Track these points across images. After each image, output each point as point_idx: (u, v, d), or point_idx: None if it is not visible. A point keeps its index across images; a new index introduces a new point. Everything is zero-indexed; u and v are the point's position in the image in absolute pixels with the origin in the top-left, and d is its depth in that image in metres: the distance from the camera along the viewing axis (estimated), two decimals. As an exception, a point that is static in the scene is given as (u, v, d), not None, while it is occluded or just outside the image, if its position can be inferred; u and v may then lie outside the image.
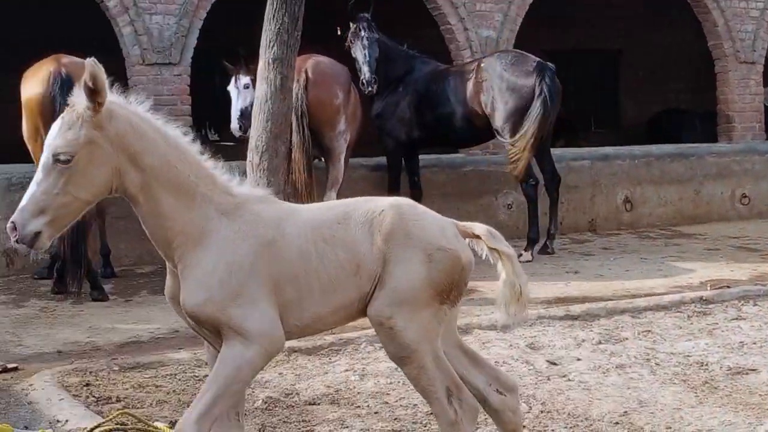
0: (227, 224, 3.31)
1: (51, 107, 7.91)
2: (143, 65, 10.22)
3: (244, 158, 10.83)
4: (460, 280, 3.44)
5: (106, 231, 9.40)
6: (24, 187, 9.47)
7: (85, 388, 5.46)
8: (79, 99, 3.43)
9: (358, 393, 5.30)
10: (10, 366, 6.09)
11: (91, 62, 3.35)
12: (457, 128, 10.25)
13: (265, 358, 3.34)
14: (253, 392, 5.29)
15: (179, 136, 3.54)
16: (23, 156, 10.11)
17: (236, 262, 3.27)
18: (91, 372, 5.77)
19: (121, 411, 4.78)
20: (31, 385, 5.56)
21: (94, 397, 5.30)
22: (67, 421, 4.80)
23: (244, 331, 3.24)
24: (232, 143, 14.76)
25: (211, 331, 3.37)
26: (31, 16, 14.18)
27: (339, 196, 9.39)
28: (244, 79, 9.35)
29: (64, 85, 7.91)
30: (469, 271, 3.51)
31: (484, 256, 3.61)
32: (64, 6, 13.65)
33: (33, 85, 8.21)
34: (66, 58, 8.30)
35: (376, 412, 4.94)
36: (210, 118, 16.64)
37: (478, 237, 3.57)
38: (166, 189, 3.37)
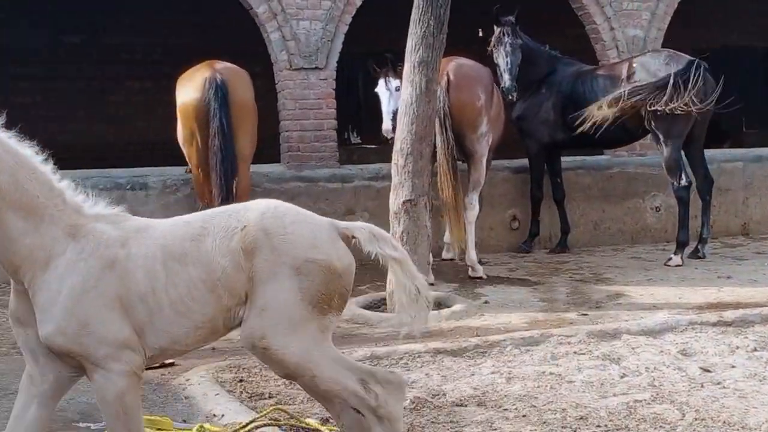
0: (72, 246, 3.18)
1: (206, 112, 8.20)
2: (290, 70, 10.45)
3: (387, 161, 11.01)
4: (338, 287, 3.28)
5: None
6: (179, 189, 9.95)
7: (238, 384, 5.63)
8: None
9: (505, 395, 5.28)
10: (167, 362, 6.32)
11: None
12: (607, 129, 10.10)
13: (135, 379, 3.20)
14: (401, 392, 5.34)
15: (30, 155, 3.39)
16: (177, 158, 10.53)
17: (79, 285, 3.12)
18: (244, 368, 5.94)
19: (274, 407, 4.93)
20: (187, 380, 5.77)
21: (247, 393, 5.46)
22: (223, 415, 4.96)
23: (100, 360, 3.12)
24: (374, 146, 14.96)
25: (72, 364, 3.21)
26: (183, 22, 14.71)
27: (481, 199, 9.39)
28: (395, 81, 9.44)
29: (218, 90, 8.19)
30: (348, 275, 3.34)
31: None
32: (214, 13, 14.11)
33: (189, 90, 8.50)
34: (219, 64, 8.57)
35: (524, 416, 4.91)
36: (352, 122, 16.86)
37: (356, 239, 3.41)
38: (13, 210, 3.20)
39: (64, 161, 12.48)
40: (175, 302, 3.17)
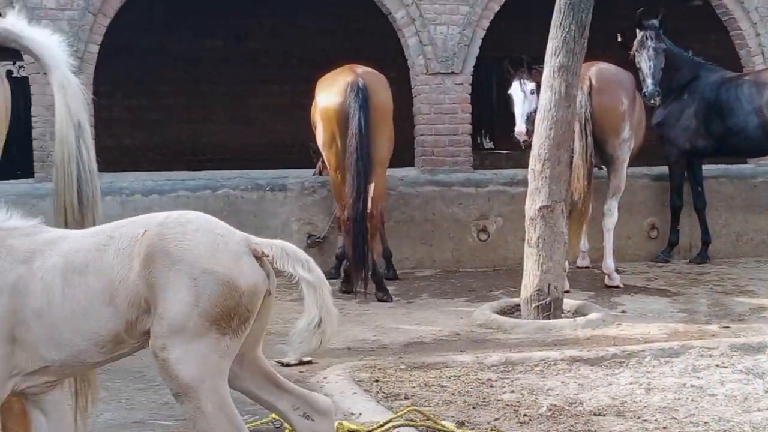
0: None
1: (347, 116, 8.34)
2: (427, 75, 10.52)
3: (519, 166, 10.95)
4: (237, 306, 3.01)
5: (388, 235, 9.74)
6: (316, 191, 10.14)
7: (375, 383, 5.69)
8: None
9: (645, 407, 5.17)
10: (305, 359, 6.46)
11: None
12: (752, 138, 9.76)
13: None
14: (537, 399, 5.31)
15: None
16: (312, 161, 10.75)
17: None
18: (379, 369, 6.01)
19: (410, 408, 4.97)
20: (325, 378, 5.87)
21: (383, 393, 5.51)
22: (360, 414, 5.03)
23: None
24: (506, 151, 14.90)
25: None
26: (320, 28, 14.99)
27: (619, 206, 9.23)
28: (530, 84, 9.37)
29: (359, 94, 8.33)
30: (252, 294, 3.06)
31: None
32: (351, 19, 14.34)
33: (331, 94, 8.66)
34: (360, 68, 8.69)
35: (664, 428, 4.80)
36: (485, 127, 16.83)
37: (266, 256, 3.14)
38: None
39: (205, 162, 12.98)
40: (73, 315, 3.04)
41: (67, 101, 3.64)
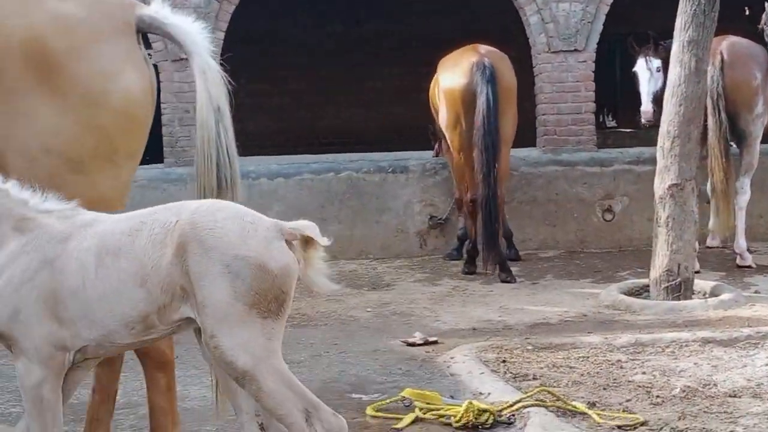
0: (17, 239, 3.28)
1: (473, 97, 8.32)
2: (549, 53, 10.37)
3: (642, 144, 10.71)
4: (272, 288, 3.09)
5: (511, 216, 9.67)
6: (437, 172, 10.14)
7: (502, 364, 5.68)
8: None
9: (783, 389, 5.02)
10: (431, 339, 6.50)
11: None
12: None
13: (54, 372, 3.26)
14: (669, 380, 5.22)
15: None
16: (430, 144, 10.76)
17: (16, 276, 3.23)
18: (506, 349, 6.00)
19: (540, 388, 4.95)
20: (452, 358, 5.89)
21: (511, 373, 5.50)
22: (489, 393, 5.04)
23: (25, 350, 3.23)
24: (629, 130, 14.58)
25: (4, 345, 3.38)
26: (438, 9, 14.95)
27: (751, 184, 8.94)
28: (656, 62, 9.14)
29: (485, 73, 8.30)
30: (285, 276, 3.13)
31: None
32: (470, -1, 14.27)
33: (455, 75, 8.65)
34: (483, 48, 8.65)
35: (805, 411, 4.65)
36: (608, 105, 16.50)
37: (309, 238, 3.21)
38: None
39: (326, 145, 13.13)
40: (105, 295, 3.19)
41: (208, 86, 3.74)
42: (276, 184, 10.03)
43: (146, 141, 3.92)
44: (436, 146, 10.38)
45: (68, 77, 3.58)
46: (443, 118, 8.87)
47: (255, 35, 14.13)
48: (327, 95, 15.36)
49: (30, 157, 3.57)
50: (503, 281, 8.52)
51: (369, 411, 4.90)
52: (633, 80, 9.51)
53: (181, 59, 9.74)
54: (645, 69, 9.35)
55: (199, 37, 3.77)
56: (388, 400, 5.03)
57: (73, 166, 3.60)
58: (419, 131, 11.62)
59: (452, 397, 5.09)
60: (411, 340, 6.50)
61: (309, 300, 7.88)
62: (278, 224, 3.21)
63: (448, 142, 8.94)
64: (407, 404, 4.95)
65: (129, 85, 3.67)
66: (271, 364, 3.09)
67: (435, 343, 6.45)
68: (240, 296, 3.05)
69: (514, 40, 11.90)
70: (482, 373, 5.43)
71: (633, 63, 9.53)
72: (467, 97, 8.41)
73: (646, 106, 9.22)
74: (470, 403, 4.68)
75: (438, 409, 4.81)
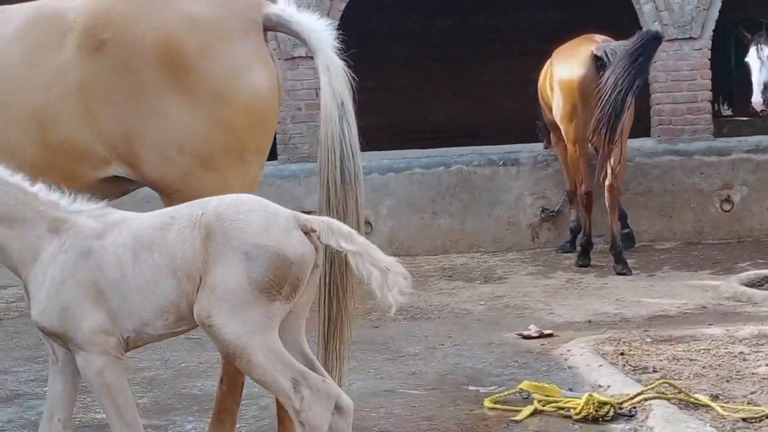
0: (55, 240, 3.43)
1: (591, 88, 8.22)
2: (664, 41, 10.15)
3: (759, 133, 10.42)
4: (287, 275, 3.27)
5: (625, 207, 9.52)
6: (549, 165, 10.08)
7: (620, 356, 5.62)
8: None
9: None
10: (546, 332, 6.47)
11: None
12: None
13: (111, 358, 3.42)
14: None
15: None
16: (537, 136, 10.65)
17: (59, 275, 3.39)
18: (624, 342, 5.93)
19: (661, 380, 4.87)
20: (569, 350, 5.86)
21: (630, 365, 5.44)
22: (609, 386, 4.99)
23: (79, 342, 3.39)
24: (746, 119, 14.19)
25: (60, 344, 3.51)
26: (549, 1, 14.82)
27: None
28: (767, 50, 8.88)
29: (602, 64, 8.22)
30: (301, 264, 3.30)
31: None
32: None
33: (573, 66, 8.59)
34: (600, 38, 8.55)
35: None
36: (723, 93, 16.07)
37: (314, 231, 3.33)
38: None
39: (433, 140, 13.15)
40: (141, 287, 3.37)
41: (331, 82, 3.82)
42: (387, 179, 10.10)
43: (273, 137, 4.00)
44: (545, 140, 10.30)
45: (200, 76, 3.69)
46: (558, 109, 8.80)
47: (363, 31, 14.24)
48: (434, 90, 15.38)
49: (164, 156, 3.70)
50: (619, 273, 8.41)
51: (487, 403, 4.91)
52: (747, 70, 9.26)
53: (293, 58, 9.92)
54: (756, 58, 9.14)
55: (324, 35, 3.85)
56: (506, 393, 5.03)
57: (204, 163, 3.71)
58: (528, 124, 11.53)
59: (571, 389, 5.06)
60: (526, 332, 6.49)
61: (422, 293, 7.94)
62: (296, 215, 3.40)
63: (563, 133, 8.86)
64: (525, 396, 4.94)
65: (257, 83, 3.76)
66: (262, 339, 3.28)
67: (550, 336, 6.41)
68: (253, 281, 3.24)
69: (626, 30, 11.70)
70: (600, 365, 5.39)
71: (745, 51, 9.28)
72: (585, 88, 8.33)
73: (757, 97, 9.02)
74: (590, 395, 4.65)
75: (557, 402, 4.79)
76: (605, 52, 8.21)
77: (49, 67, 3.71)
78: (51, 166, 3.77)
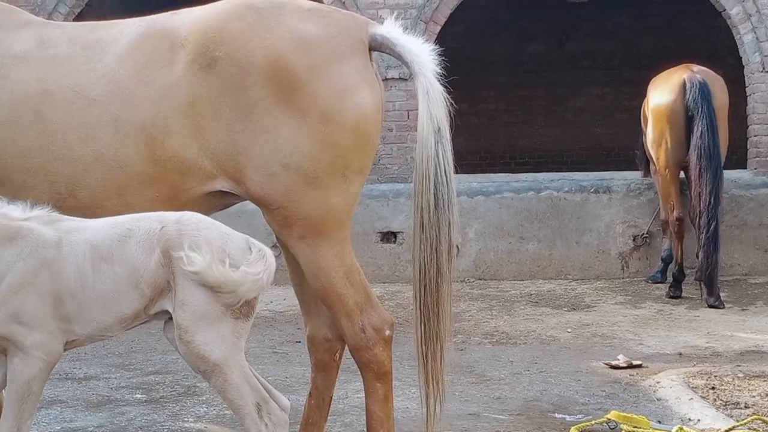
0: (8, 248, 3.47)
1: (679, 114, 8.16)
2: (763, 72, 9.99)
3: None
4: (246, 293, 3.38)
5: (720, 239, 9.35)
6: (642, 193, 9.98)
7: (711, 391, 5.52)
8: None
9: None
10: (635, 363, 6.38)
11: None
12: None
13: (47, 368, 3.49)
14: None
15: None
16: (633, 164, 10.51)
17: (16, 282, 3.44)
18: (715, 376, 5.82)
19: (754, 416, 4.77)
20: (658, 382, 5.78)
21: (721, 400, 5.34)
22: (698, 420, 4.91)
23: (25, 347, 3.43)
24: None
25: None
26: (643, 28, 14.68)
27: None
28: None
29: (701, 91, 8.14)
30: (257, 283, 3.40)
31: None
32: (678, 17, 13.91)
33: (663, 92, 8.53)
34: (696, 67, 8.48)
35: None
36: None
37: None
38: None
39: (524, 165, 13.14)
40: (102, 297, 3.47)
41: (430, 107, 3.86)
42: (475, 202, 10.10)
43: (374, 157, 4.05)
44: (643, 168, 10.16)
45: (308, 95, 3.75)
46: (649, 135, 8.75)
47: (456, 56, 14.30)
48: (525, 115, 15.35)
49: (269, 173, 3.77)
50: (710, 306, 8.26)
51: (573, 431, 4.88)
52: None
53: (386, 79, 10.00)
54: None
55: (426, 59, 3.89)
56: (593, 422, 4.98)
57: (309, 180, 3.77)
58: (620, 152, 11.45)
59: (660, 422, 4.98)
60: (614, 362, 6.41)
61: (507, 318, 7.91)
62: (247, 238, 3.53)
63: (654, 159, 8.78)
64: (612, 426, 4.88)
65: (362, 103, 3.81)
66: (237, 359, 3.41)
67: (639, 366, 6.33)
68: (218, 298, 3.36)
69: (722, 60, 11.54)
70: (691, 399, 5.30)
71: None
72: (674, 115, 8.28)
73: None
74: (680, 428, 4.58)
75: (646, 433, 4.73)
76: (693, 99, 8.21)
77: (160, 82, 3.80)
78: (159, 179, 3.87)
